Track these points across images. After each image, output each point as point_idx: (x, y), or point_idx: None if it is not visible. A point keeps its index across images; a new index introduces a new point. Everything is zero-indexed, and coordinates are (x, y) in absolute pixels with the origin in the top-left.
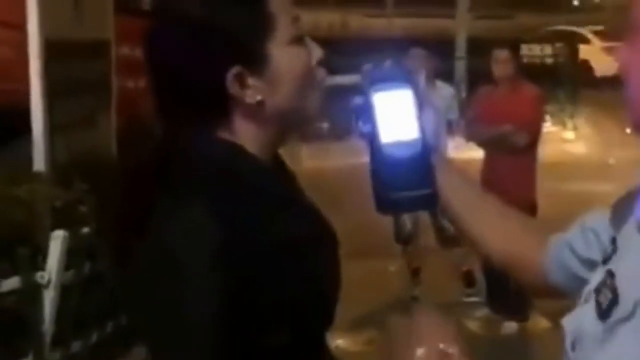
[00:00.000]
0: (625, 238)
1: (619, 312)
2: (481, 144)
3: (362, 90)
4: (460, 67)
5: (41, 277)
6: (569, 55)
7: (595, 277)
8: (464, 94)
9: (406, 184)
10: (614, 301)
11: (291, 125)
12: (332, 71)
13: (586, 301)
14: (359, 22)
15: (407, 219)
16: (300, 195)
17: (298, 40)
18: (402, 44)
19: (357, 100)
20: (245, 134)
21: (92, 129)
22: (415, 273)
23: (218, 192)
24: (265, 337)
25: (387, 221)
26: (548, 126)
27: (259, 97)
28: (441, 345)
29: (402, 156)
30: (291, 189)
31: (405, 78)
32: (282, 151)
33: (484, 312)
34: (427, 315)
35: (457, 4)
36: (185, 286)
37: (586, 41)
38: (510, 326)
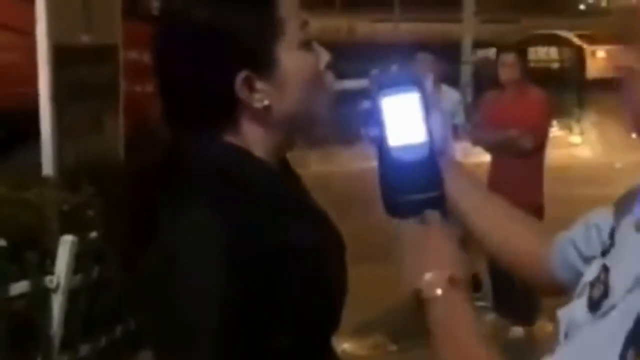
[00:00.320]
0: (623, 235)
1: (606, 305)
2: (488, 148)
3: (369, 94)
4: (466, 71)
5: (50, 281)
6: (575, 58)
7: (591, 270)
8: (469, 99)
9: (414, 187)
10: (605, 294)
11: (299, 129)
12: (340, 76)
13: (581, 294)
14: (366, 27)
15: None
16: (307, 199)
17: (306, 44)
18: (408, 49)
19: (365, 104)
20: (253, 138)
21: (100, 133)
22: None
23: (223, 195)
24: (270, 340)
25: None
26: (555, 130)
27: (266, 102)
28: (449, 272)
29: (410, 159)
30: (298, 193)
31: (413, 82)
32: (290, 156)
33: (490, 316)
34: (439, 234)
35: (463, 9)
36: (190, 289)
37: (571, 45)
38: (517, 331)
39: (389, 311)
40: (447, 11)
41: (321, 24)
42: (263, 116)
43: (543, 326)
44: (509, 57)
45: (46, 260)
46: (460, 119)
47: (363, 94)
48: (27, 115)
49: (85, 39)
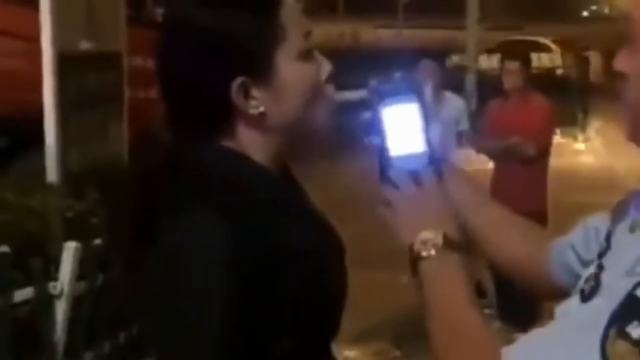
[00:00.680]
0: (618, 238)
1: (597, 297)
2: (491, 155)
3: (370, 105)
4: (470, 78)
5: (54, 287)
6: (579, 65)
7: (589, 270)
8: (474, 106)
9: None
10: (596, 288)
11: (297, 137)
12: (343, 83)
13: (576, 290)
14: (369, 33)
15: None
16: (307, 203)
17: (308, 54)
18: (412, 55)
19: (366, 115)
20: (250, 143)
21: (105, 140)
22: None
23: (224, 200)
24: (271, 343)
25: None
26: (558, 138)
27: (262, 109)
28: (444, 231)
29: (410, 169)
30: (298, 198)
31: (412, 92)
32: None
33: (494, 324)
34: (434, 195)
35: (467, 15)
36: (192, 292)
37: (549, 50)
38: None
39: (391, 317)
40: (451, 18)
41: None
42: (259, 122)
43: None
44: (513, 65)
45: (50, 266)
46: (464, 125)
47: (364, 104)
48: (32, 121)
49: (89, 45)
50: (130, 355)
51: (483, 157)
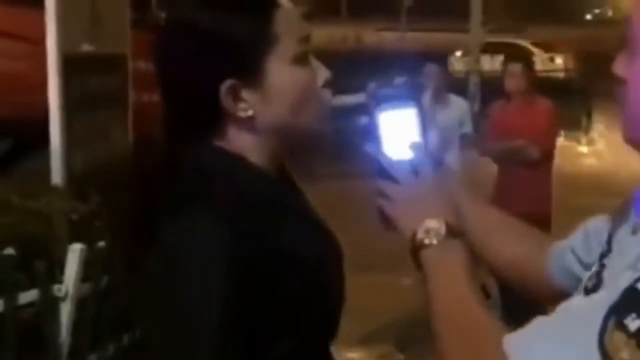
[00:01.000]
0: (621, 239)
1: (599, 293)
2: (495, 158)
3: (368, 109)
4: (473, 80)
5: (58, 289)
6: (581, 67)
7: (591, 272)
8: (477, 108)
9: None
10: (598, 285)
11: (290, 140)
12: (344, 86)
13: (580, 290)
14: (372, 35)
15: None
16: (305, 205)
17: (303, 58)
18: (415, 58)
19: (363, 119)
20: (243, 145)
21: (109, 143)
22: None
23: (222, 201)
24: (269, 345)
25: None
26: (562, 141)
27: (250, 112)
28: (446, 220)
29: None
30: (296, 199)
31: (410, 96)
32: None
33: None
34: (435, 184)
35: (471, 18)
36: (191, 292)
37: (530, 52)
38: None
39: (394, 320)
40: (454, 21)
41: (327, 32)
42: (249, 125)
43: None
44: (516, 68)
45: (55, 268)
46: (468, 128)
47: (362, 108)
48: (36, 123)
49: (94, 48)
50: (134, 357)
51: (487, 160)
